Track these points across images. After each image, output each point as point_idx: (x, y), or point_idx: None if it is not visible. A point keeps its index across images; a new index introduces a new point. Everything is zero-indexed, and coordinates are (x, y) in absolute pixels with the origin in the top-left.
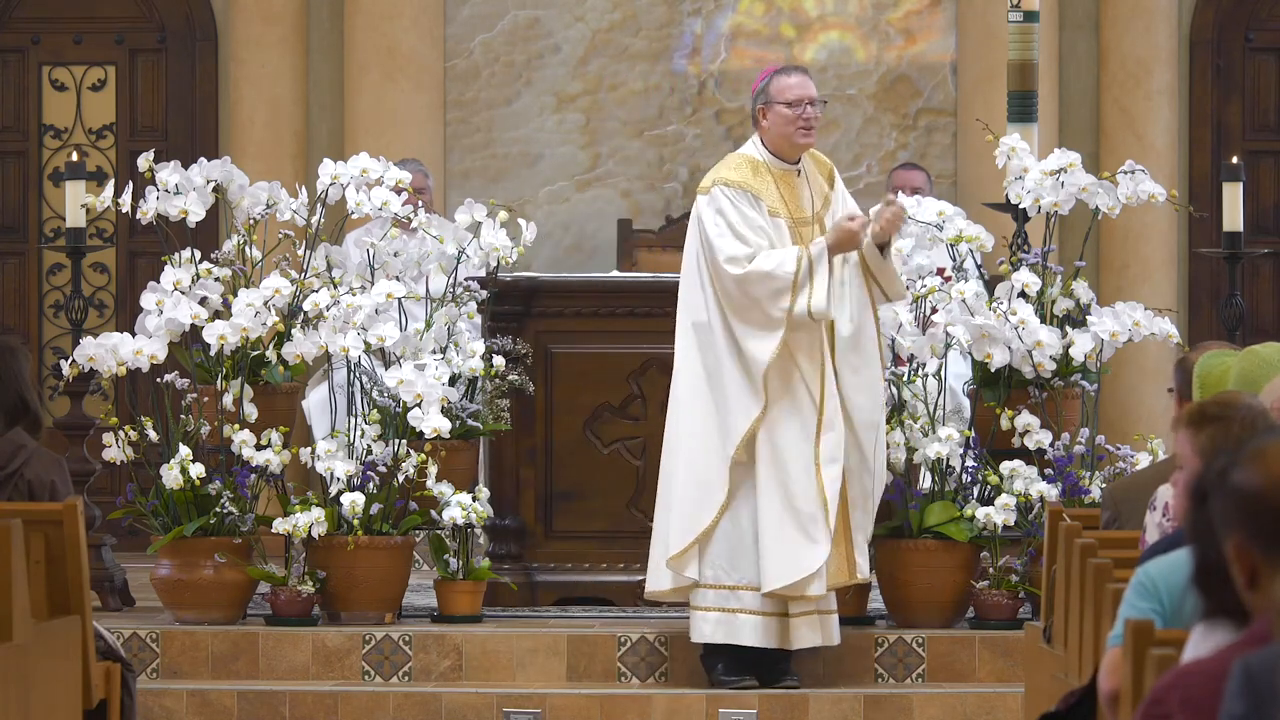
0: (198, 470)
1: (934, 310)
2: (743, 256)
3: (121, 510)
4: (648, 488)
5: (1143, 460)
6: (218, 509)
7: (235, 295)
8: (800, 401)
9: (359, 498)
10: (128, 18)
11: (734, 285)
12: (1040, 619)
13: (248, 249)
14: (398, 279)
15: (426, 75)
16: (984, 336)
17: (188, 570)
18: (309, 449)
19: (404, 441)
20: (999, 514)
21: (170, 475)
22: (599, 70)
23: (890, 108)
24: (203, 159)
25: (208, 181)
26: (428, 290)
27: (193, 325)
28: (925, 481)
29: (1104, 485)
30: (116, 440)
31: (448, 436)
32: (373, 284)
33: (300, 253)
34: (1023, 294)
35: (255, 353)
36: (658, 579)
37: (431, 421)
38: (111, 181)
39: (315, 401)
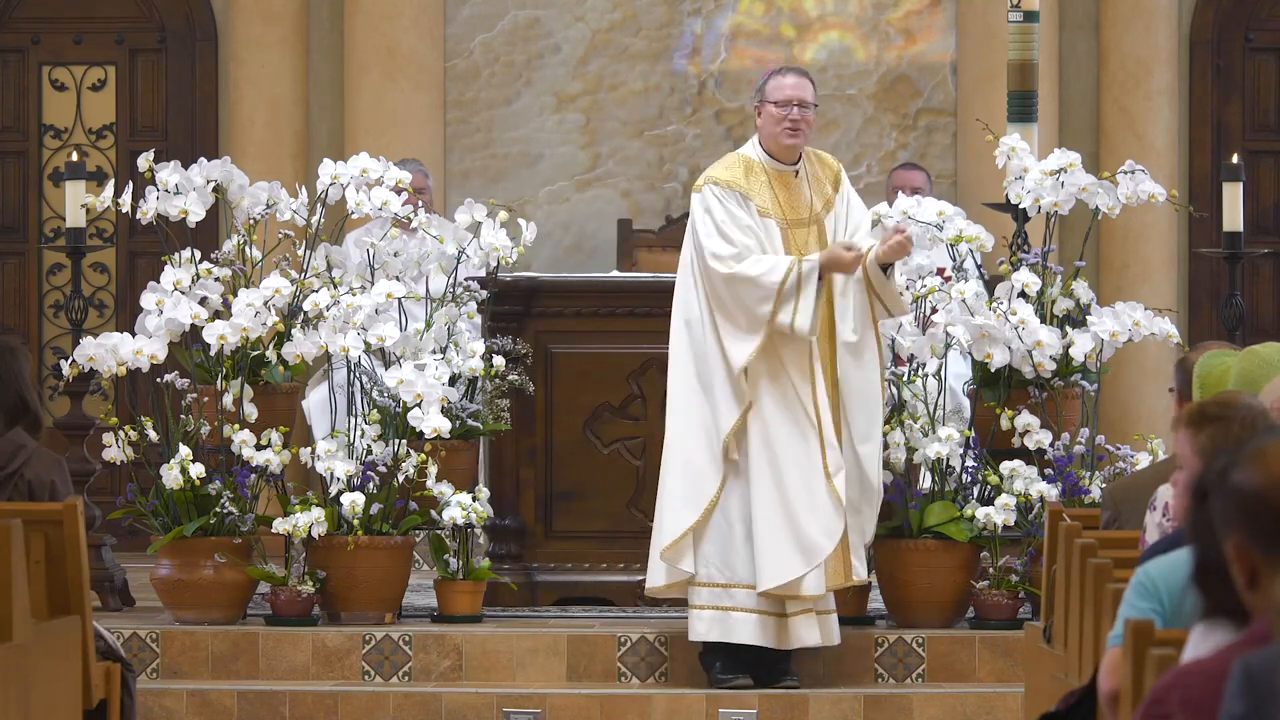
0: (198, 470)
1: (934, 310)
2: (728, 255)
3: (121, 510)
4: (648, 488)
5: (1143, 460)
6: (218, 509)
7: (235, 295)
8: (795, 402)
9: (359, 498)
10: (128, 18)
11: (720, 284)
12: (1040, 619)
13: (248, 249)
14: (398, 279)
15: (426, 75)
16: (984, 336)
17: (188, 570)
18: (309, 449)
19: (404, 441)
20: (999, 514)
21: (170, 475)
22: (599, 70)
23: (890, 108)
24: (203, 159)
25: (208, 181)
26: (428, 290)
27: (193, 325)
28: (925, 481)
29: (1104, 485)
30: (116, 440)
31: (448, 436)
32: (373, 284)
33: (300, 253)
34: (1023, 294)
35: (255, 353)
36: (655, 574)
37: (431, 421)
38: (111, 181)
39: (315, 401)
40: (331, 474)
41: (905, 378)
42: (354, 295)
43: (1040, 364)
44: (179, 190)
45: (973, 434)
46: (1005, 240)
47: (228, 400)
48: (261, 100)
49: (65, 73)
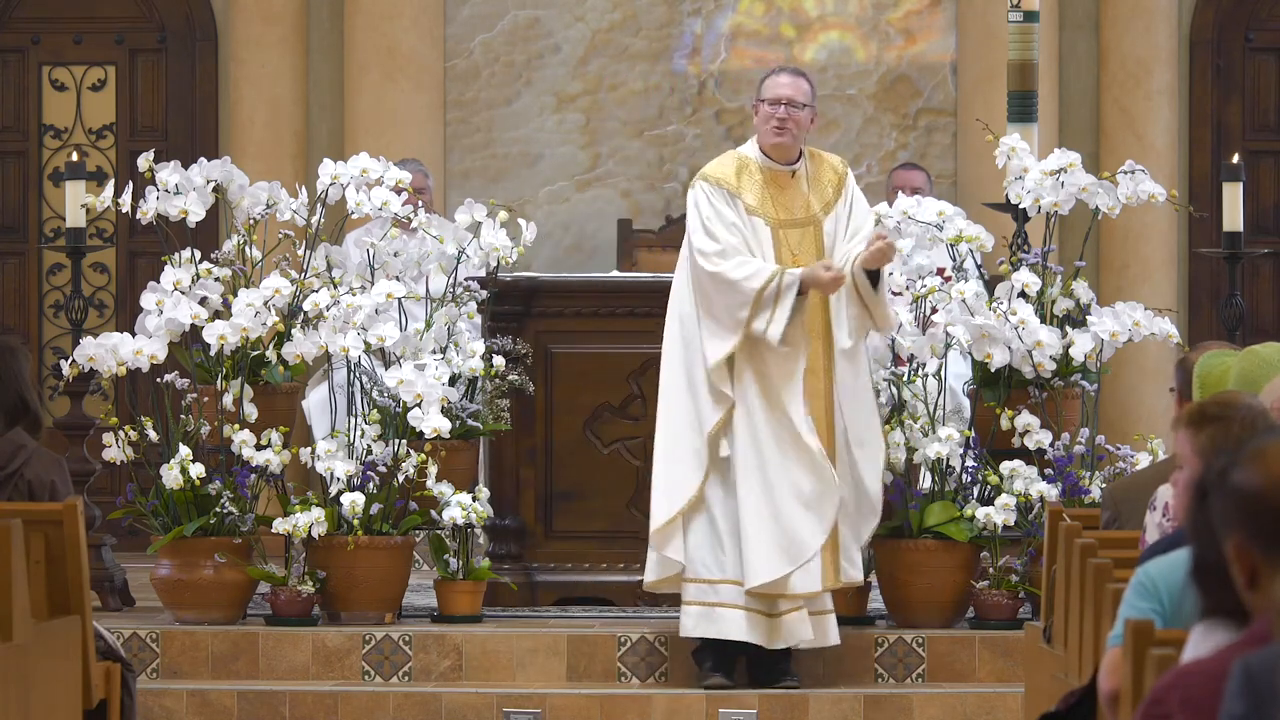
0: (198, 470)
1: (934, 310)
2: (712, 252)
3: (121, 510)
4: (647, 487)
5: (1143, 460)
6: (218, 509)
7: (235, 295)
8: (786, 403)
9: (359, 498)
10: (128, 18)
11: (705, 280)
12: (1040, 619)
13: (248, 249)
14: (398, 279)
15: (426, 75)
16: (984, 336)
17: (188, 570)
18: (309, 449)
19: (404, 441)
20: (999, 514)
21: (170, 475)
22: (599, 70)
23: (890, 108)
24: (203, 159)
25: (208, 181)
26: (428, 290)
27: (193, 325)
28: (925, 481)
29: (1104, 485)
30: (116, 440)
31: (448, 436)
32: (373, 284)
33: (300, 253)
34: (1023, 294)
35: (255, 353)
36: (649, 568)
37: (431, 421)
38: (111, 181)
39: (315, 401)
40: (331, 474)
41: (905, 378)
42: (354, 295)
43: (1040, 364)
44: (179, 190)
45: (973, 434)
46: (1005, 240)
47: (228, 400)
48: (261, 100)
49: (65, 73)
